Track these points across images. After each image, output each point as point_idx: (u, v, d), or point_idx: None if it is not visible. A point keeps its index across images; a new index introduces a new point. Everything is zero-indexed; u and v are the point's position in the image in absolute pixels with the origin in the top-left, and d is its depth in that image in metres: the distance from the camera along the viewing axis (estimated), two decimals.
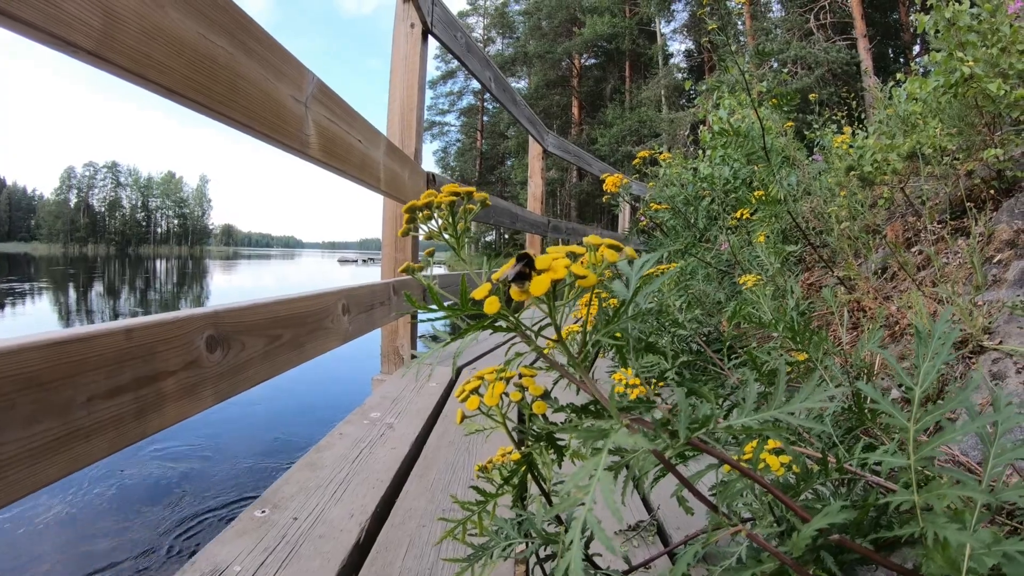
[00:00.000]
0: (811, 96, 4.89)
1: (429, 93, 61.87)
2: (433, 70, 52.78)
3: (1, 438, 0.70)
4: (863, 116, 6.06)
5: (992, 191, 2.86)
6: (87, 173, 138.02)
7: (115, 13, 0.77)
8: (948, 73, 2.99)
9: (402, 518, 1.44)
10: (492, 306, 0.50)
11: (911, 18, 3.28)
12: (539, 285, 0.46)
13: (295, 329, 1.48)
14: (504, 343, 3.71)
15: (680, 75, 34.17)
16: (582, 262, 0.52)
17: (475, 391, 0.69)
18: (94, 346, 0.84)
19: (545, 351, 0.57)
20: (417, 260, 2.96)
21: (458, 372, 2.84)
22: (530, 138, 5.59)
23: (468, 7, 53.94)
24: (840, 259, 3.05)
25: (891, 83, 4.76)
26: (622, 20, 34.96)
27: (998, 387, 1.72)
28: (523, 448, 0.77)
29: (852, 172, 3.52)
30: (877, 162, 3.70)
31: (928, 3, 3.18)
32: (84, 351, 0.82)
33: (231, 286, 26.73)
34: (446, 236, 0.63)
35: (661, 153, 4.53)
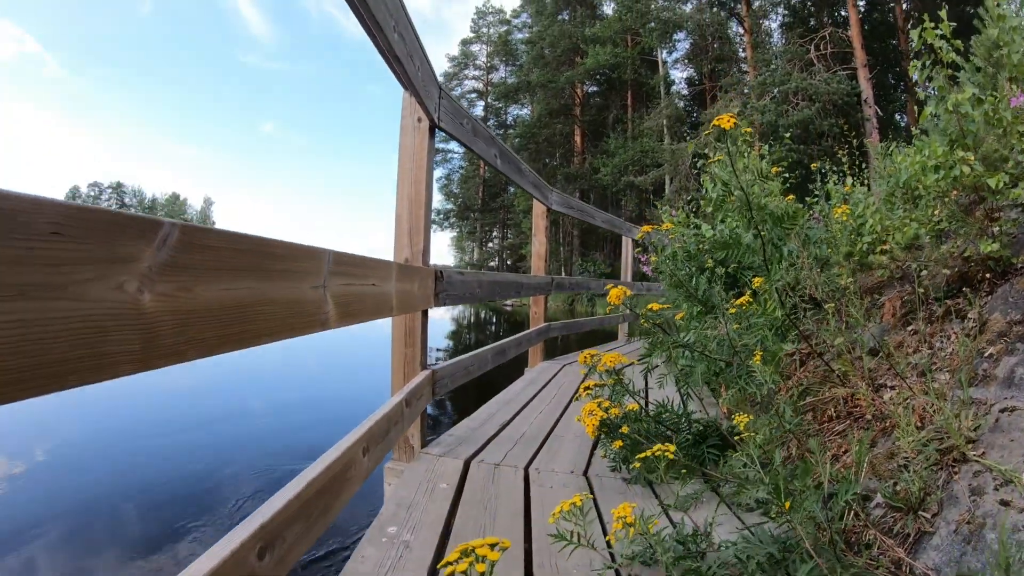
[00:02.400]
0: (813, 165, 4.95)
1: None
2: None
3: None
4: (863, 166, 6.14)
5: (988, 273, 2.90)
6: (92, 193, 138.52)
7: (151, 326, 0.81)
8: (948, 168, 3.04)
9: None
10: None
11: (916, 91, 3.35)
12: None
13: (326, 498, 1.53)
14: (509, 422, 3.74)
15: (681, 103, 34.40)
16: None
17: None
18: None
19: None
20: (426, 352, 3.02)
21: (467, 467, 2.88)
22: (534, 200, 5.66)
23: (472, 35, 54.50)
24: (833, 349, 3.08)
25: (891, 144, 4.82)
26: (624, 50, 35.21)
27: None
28: None
29: (851, 257, 3.57)
30: (876, 232, 3.75)
31: (931, 85, 3.25)
32: None
33: None
34: None
35: (664, 224, 4.56)
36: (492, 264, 54.54)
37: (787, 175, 5.56)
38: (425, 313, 2.92)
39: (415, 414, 2.72)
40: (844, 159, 6.94)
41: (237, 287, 1.03)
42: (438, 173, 54.96)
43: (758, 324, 2.69)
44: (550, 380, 5.14)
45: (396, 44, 2.19)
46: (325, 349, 12.07)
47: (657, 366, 2.85)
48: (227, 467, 5.45)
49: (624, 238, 8.77)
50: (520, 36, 49.74)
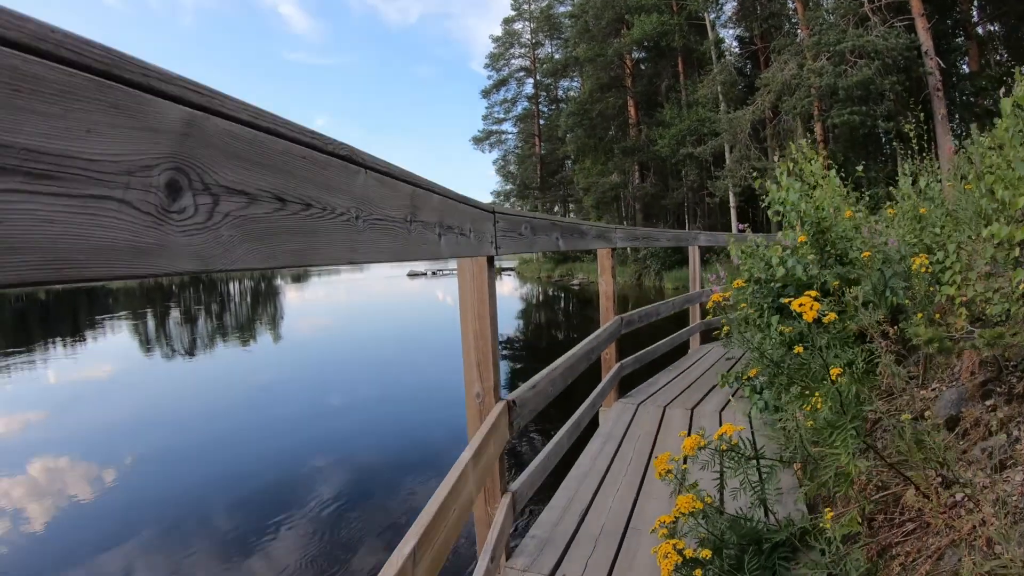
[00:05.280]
0: (858, 169, 4.83)
1: (483, 102, 62.14)
2: (484, 79, 53.22)
3: None
4: (931, 140, 5.94)
5: None
6: None
7: None
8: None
9: None
10: None
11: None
12: None
13: None
14: (588, 507, 3.77)
15: (736, 65, 33.36)
16: None
17: None
18: None
19: None
20: (506, 478, 3.08)
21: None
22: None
23: (513, 13, 53.97)
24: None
25: (968, 142, 4.62)
26: (670, 17, 34.26)
27: None
28: None
29: (932, 344, 3.47)
30: (957, 282, 3.65)
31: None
32: None
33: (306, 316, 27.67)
34: None
35: (735, 282, 4.48)
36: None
37: (858, 196, 5.44)
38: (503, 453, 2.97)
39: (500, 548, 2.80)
40: (911, 130, 6.74)
41: None
42: (493, 155, 55.05)
43: (834, 444, 2.67)
44: (625, 432, 5.12)
45: (461, 245, 2.24)
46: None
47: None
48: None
49: (690, 248, 8.71)
50: (563, 9, 49.05)
